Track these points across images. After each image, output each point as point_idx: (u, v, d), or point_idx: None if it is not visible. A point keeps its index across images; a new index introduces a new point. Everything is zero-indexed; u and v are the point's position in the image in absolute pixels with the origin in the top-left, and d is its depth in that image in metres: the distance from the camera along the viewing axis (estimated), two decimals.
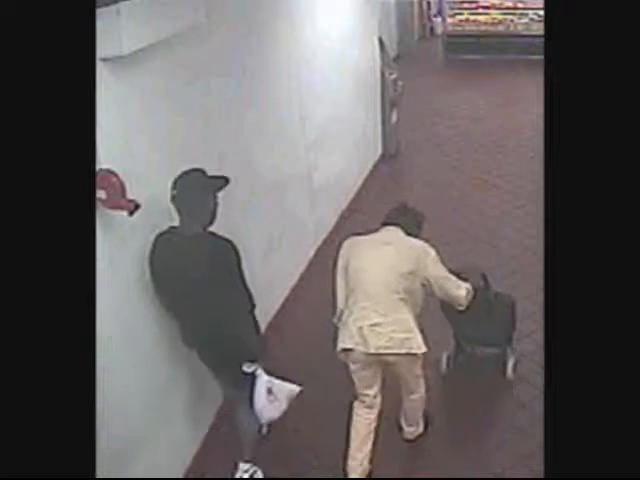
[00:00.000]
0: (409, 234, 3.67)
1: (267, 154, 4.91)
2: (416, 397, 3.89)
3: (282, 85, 5.18)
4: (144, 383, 3.43)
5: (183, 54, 3.57)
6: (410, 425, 4.04)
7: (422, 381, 3.86)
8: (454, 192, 7.43)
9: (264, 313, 4.99)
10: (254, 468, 3.88)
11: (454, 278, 3.64)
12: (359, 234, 3.81)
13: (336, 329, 3.72)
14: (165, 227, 3.51)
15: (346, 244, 3.73)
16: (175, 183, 3.27)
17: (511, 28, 12.22)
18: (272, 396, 3.55)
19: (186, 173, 3.30)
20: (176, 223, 3.35)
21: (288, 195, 5.42)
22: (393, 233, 3.66)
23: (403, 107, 8.51)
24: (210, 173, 4.04)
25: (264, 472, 3.88)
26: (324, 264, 6.03)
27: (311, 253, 6.06)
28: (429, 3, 14.64)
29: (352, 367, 3.67)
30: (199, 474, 3.92)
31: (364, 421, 3.76)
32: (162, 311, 3.54)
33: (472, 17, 12.42)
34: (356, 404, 3.79)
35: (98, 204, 2.78)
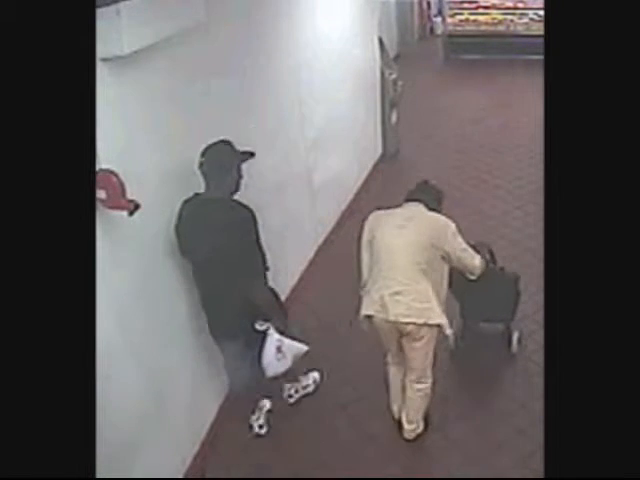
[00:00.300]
0: (430, 209, 3.84)
1: (267, 154, 4.91)
2: (422, 387, 3.97)
3: (282, 85, 5.17)
4: (144, 383, 3.43)
5: (183, 54, 3.57)
6: (411, 422, 4.08)
7: (430, 371, 3.96)
8: (454, 192, 7.40)
9: None
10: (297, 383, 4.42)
11: (470, 250, 3.84)
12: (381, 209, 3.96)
13: (359, 301, 3.91)
14: (165, 227, 3.52)
15: (371, 218, 3.91)
16: (204, 152, 3.50)
17: (511, 28, 12.22)
18: (280, 354, 3.79)
19: (215, 144, 3.53)
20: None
21: (288, 195, 5.42)
22: (415, 208, 3.83)
23: (403, 107, 8.51)
24: None
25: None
26: (324, 264, 6.05)
27: (311, 253, 6.06)
28: (429, 3, 14.65)
29: (377, 332, 3.90)
30: (199, 474, 3.93)
31: (395, 376, 4.11)
32: (162, 310, 3.55)
33: (472, 17, 12.41)
34: (387, 358, 4.12)
35: (98, 204, 2.78)
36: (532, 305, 5.11)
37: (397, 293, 3.64)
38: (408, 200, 3.91)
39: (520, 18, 12.17)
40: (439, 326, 3.72)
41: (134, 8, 2.81)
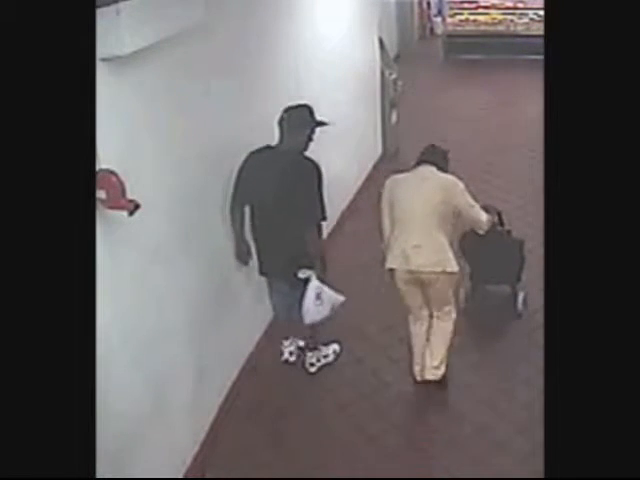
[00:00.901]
0: (440, 169, 4.27)
1: None
2: (445, 325, 4.39)
3: (282, 85, 5.17)
4: (144, 382, 3.43)
5: (183, 54, 3.57)
6: (434, 359, 4.40)
7: (452, 310, 4.39)
8: None
9: (264, 313, 5.01)
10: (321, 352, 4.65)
11: (478, 206, 4.28)
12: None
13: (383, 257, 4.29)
14: (165, 227, 3.52)
15: (388, 182, 4.34)
16: (287, 109, 4.05)
17: (511, 28, 12.22)
18: (319, 301, 4.10)
19: (298, 105, 4.08)
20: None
21: None
22: (427, 170, 4.25)
23: (403, 107, 8.51)
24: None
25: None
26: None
27: None
28: (429, 3, 14.64)
29: (398, 286, 4.30)
30: (199, 474, 3.92)
31: (417, 336, 4.46)
32: (162, 310, 3.55)
33: (472, 17, 12.41)
34: (409, 319, 4.48)
35: (98, 204, 2.78)
36: (533, 305, 5.13)
37: (417, 246, 4.09)
38: (419, 163, 4.30)
39: (520, 18, 12.16)
40: (454, 273, 4.19)
41: (134, 8, 2.81)
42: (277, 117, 4.04)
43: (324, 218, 4.07)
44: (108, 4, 2.66)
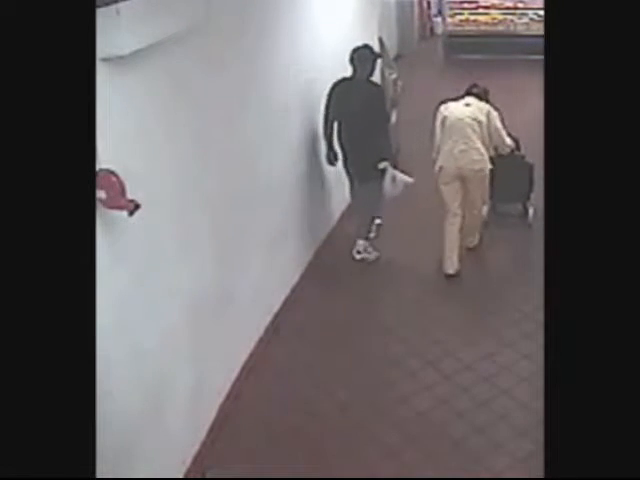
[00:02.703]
0: (480, 99, 5.81)
1: (267, 154, 4.91)
2: (476, 213, 5.99)
3: (282, 85, 5.17)
4: (144, 382, 3.43)
5: (183, 54, 3.57)
6: (469, 235, 6.04)
7: (483, 206, 6.07)
8: None
9: (264, 313, 5.01)
10: (370, 247, 6.07)
11: (504, 131, 5.81)
12: None
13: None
14: (165, 227, 3.52)
15: (442, 107, 5.83)
16: (355, 50, 5.75)
17: (511, 28, 12.22)
18: (394, 183, 5.81)
19: (362, 46, 5.82)
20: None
21: (288, 195, 5.42)
22: (471, 99, 5.81)
23: (403, 107, 8.49)
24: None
25: None
26: (324, 264, 6.05)
27: (311, 253, 6.06)
28: (429, 3, 14.63)
29: (442, 184, 5.75)
30: (199, 474, 3.92)
31: (453, 227, 5.76)
32: (162, 310, 3.55)
33: (472, 17, 12.41)
34: (447, 216, 5.79)
35: (98, 204, 2.78)
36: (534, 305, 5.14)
37: (463, 150, 5.61)
38: (466, 95, 5.84)
39: (520, 18, 12.16)
40: (487, 174, 5.72)
41: (134, 8, 2.81)
42: (347, 56, 5.73)
43: (388, 120, 6.11)
44: (108, 4, 2.66)
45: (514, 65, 11.36)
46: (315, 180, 6.05)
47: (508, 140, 5.81)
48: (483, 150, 5.62)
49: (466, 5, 12.42)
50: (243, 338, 4.71)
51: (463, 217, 5.82)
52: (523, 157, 6.38)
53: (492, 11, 12.32)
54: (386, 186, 5.76)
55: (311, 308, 5.46)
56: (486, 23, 12.34)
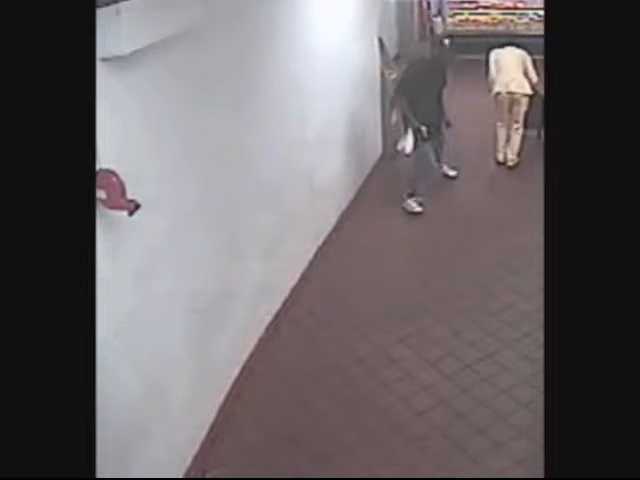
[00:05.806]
0: (518, 47, 7.88)
1: (267, 154, 4.91)
2: (520, 131, 7.90)
3: (282, 85, 5.17)
4: (143, 382, 3.43)
5: (183, 54, 3.57)
6: (513, 154, 7.90)
7: (520, 130, 7.89)
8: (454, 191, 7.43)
9: (264, 313, 5.01)
10: (420, 199, 6.96)
11: (535, 71, 7.69)
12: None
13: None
14: (165, 227, 3.53)
15: (493, 52, 7.94)
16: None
17: (511, 28, 12.20)
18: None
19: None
20: None
21: (288, 195, 5.42)
22: (512, 48, 7.93)
23: None
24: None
25: None
26: (324, 264, 6.05)
27: (311, 253, 6.06)
28: (429, 3, 14.59)
29: (498, 103, 7.85)
30: (199, 474, 3.92)
31: (502, 137, 7.98)
32: (162, 310, 3.55)
33: (472, 17, 12.40)
34: (498, 125, 7.99)
35: (98, 204, 2.78)
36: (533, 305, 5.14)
37: (512, 79, 7.67)
38: (505, 45, 7.96)
39: (520, 18, 12.15)
40: (531, 96, 7.69)
41: (134, 8, 2.81)
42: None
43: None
44: (108, 4, 2.66)
45: None
46: (315, 180, 6.05)
47: (535, 78, 7.68)
48: (526, 81, 7.71)
49: (466, 5, 12.41)
50: (243, 338, 4.71)
51: (508, 127, 7.90)
52: (540, 95, 7.70)
53: (492, 11, 12.31)
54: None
55: (310, 307, 5.46)
56: (486, 23, 12.33)
